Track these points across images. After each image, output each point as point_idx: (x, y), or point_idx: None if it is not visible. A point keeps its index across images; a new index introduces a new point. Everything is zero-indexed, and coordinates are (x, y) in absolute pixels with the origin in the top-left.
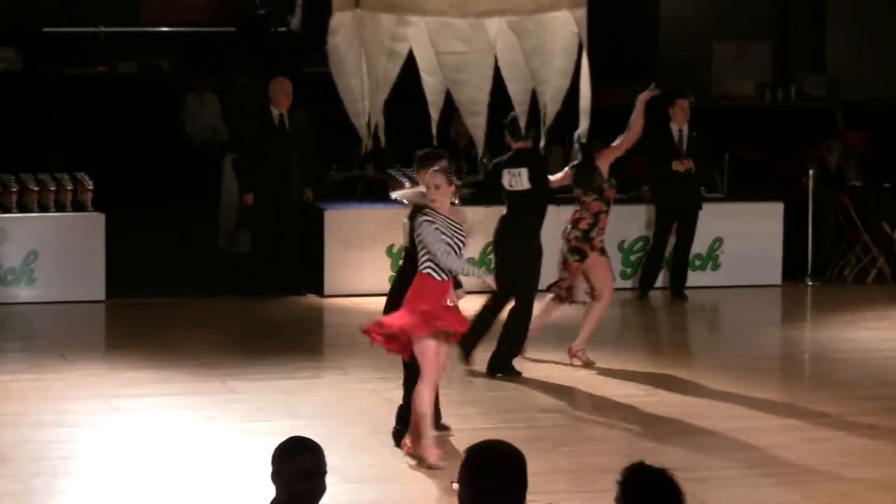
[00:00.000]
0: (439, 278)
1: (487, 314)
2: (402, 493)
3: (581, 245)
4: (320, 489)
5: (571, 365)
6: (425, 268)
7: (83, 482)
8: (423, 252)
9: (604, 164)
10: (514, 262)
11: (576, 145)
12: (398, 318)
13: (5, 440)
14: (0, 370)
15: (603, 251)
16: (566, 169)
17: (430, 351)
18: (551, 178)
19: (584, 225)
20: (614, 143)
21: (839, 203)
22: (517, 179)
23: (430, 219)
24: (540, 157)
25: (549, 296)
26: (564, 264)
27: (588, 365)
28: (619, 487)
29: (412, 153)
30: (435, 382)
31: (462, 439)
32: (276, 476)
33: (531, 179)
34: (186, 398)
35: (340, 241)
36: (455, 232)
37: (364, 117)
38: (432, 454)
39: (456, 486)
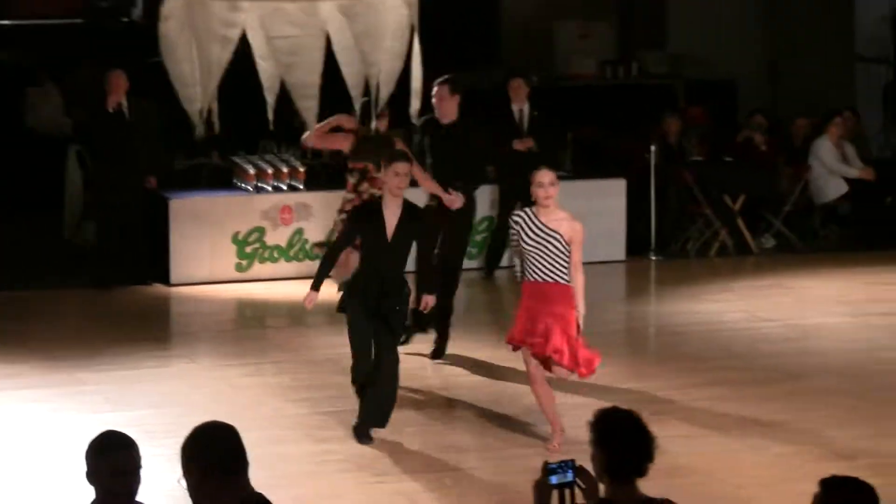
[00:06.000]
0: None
1: None
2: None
3: None
4: (135, 484)
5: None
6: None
7: None
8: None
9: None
10: None
11: None
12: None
13: None
14: None
15: None
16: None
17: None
18: None
19: None
20: None
21: (681, 178)
22: None
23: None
24: None
25: None
26: None
27: None
28: (592, 429)
29: (256, 140)
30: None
31: (314, 423)
32: (91, 475)
33: None
34: (35, 391)
35: (185, 229)
36: None
37: (196, 103)
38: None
39: (183, 482)
